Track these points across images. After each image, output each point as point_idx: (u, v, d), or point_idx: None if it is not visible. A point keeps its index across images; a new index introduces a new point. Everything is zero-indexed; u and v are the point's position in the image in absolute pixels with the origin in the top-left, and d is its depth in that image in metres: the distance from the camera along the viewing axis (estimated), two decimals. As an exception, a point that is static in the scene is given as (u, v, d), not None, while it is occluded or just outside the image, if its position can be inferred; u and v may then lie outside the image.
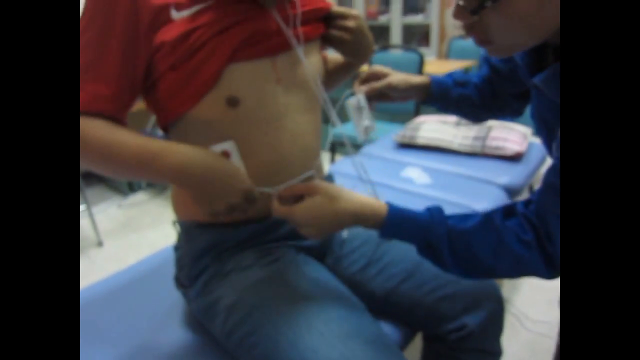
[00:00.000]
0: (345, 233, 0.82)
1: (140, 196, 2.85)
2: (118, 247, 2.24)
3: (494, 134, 1.52)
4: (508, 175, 1.36)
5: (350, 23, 0.75)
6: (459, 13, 0.53)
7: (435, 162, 1.48)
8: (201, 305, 0.71)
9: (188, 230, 0.75)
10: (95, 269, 2.05)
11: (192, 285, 0.74)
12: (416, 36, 4.05)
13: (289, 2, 0.68)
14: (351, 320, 0.63)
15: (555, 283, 1.69)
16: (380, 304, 0.77)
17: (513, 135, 1.51)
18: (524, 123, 1.60)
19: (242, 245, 0.73)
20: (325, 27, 0.76)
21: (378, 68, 0.81)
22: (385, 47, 2.62)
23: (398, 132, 1.72)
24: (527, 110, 0.77)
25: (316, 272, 0.72)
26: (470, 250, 0.58)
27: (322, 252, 0.83)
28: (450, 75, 0.86)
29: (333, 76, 0.88)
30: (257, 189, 0.67)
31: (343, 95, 0.78)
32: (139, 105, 0.70)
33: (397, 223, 0.62)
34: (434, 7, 3.56)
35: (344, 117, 0.79)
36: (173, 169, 0.60)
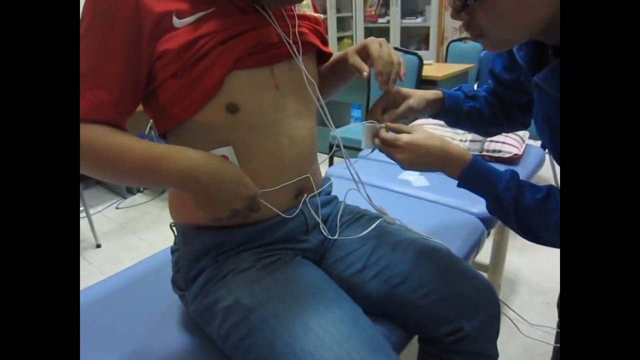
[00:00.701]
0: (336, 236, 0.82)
1: (138, 198, 2.85)
2: (116, 249, 2.24)
3: (491, 137, 1.52)
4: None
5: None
6: (453, 13, 0.58)
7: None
8: (198, 307, 0.71)
9: (185, 233, 0.75)
10: (93, 270, 2.05)
11: (189, 287, 0.74)
12: (415, 39, 4.07)
13: (288, 16, 0.70)
14: (347, 323, 0.63)
15: (553, 286, 1.71)
16: (377, 307, 0.77)
17: (511, 138, 1.52)
18: (522, 126, 1.61)
19: (240, 248, 0.73)
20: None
21: (395, 90, 0.79)
22: (384, 49, 2.62)
23: (396, 134, 1.72)
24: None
25: (313, 274, 0.73)
26: (530, 218, 0.66)
27: (319, 254, 0.83)
28: (459, 88, 0.87)
29: (333, 85, 0.89)
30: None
31: (366, 121, 0.77)
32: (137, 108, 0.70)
33: (476, 171, 0.71)
34: (433, 10, 3.57)
35: (340, 122, 0.79)
36: (179, 173, 0.60)
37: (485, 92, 0.88)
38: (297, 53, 0.69)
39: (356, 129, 2.36)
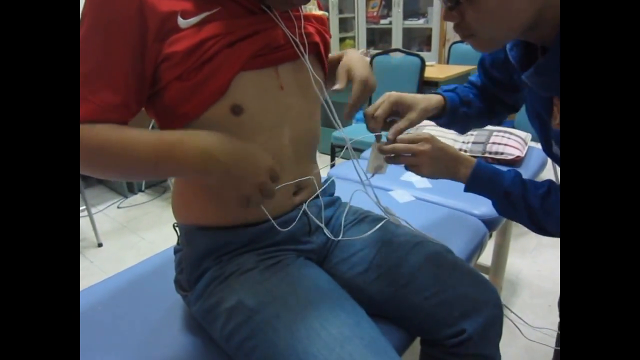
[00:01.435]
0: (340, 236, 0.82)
1: (139, 197, 2.86)
2: (117, 248, 2.24)
3: (494, 139, 1.52)
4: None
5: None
6: (446, 14, 0.61)
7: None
8: (201, 308, 0.71)
9: (188, 234, 0.75)
10: (94, 269, 2.05)
11: (192, 288, 0.74)
12: (417, 40, 4.07)
13: (295, 16, 0.70)
14: (350, 324, 0.63)
15: (555, 288, 1.70)
16: (379, 308, 0.77)
17: (513, 140, 1.52)
18: (524, 129, 1.61)
19: (243, 249, 0.73)
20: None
21: (397, 97, 0.79)
22: (386, 51, 2.62)
23: (398, 136, 1.72)
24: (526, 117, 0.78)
25: (316, 275, 0.73)
26: (537, 212, 0.70)
27: (322, 255, 0.83)
28: (455, 89, 0.88)
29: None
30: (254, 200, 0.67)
31: (377, 140, 0.79)
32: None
33: (483, 173, 0.75)
34: (435, 12, 3.57)
35: (343, 123, 0.79)
36: (197, 157, 0.59)
37: (475, 94, 0.89)
38: (304, 53, 0.69)
39: (359, 130, 2.35)
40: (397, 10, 3.76)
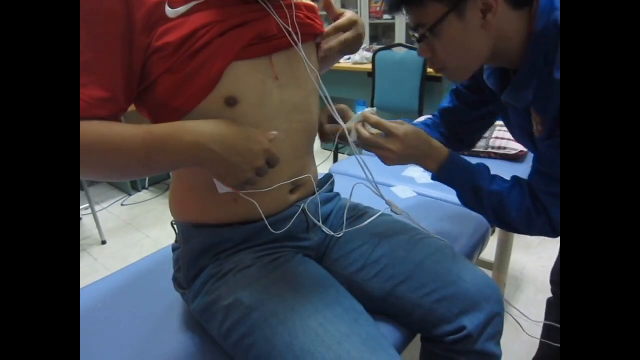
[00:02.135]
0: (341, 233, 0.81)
1: (143, 195, 2.87)
2: (121, 246, 2.25)
3: (497, 134, 1.51)
4: (510, 175, 1.35)
5: (350, 35, 0.77)
6: (420, 50, 0.71)
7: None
8: (199, 305, 0.71)
9: (185, 232, 0.75)
10: (99, 267, 2.06)
11: (190, 286, 0.74)
12: (421, 35, 4.02)
13: (286, 5, 0.68)
14: (348, 321, 0.62)
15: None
16: (379, 305, 0.76)
17: (516, 135, 1.50)
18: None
19: (240, 246, 0.73)
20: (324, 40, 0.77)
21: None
22: (390, 46, 2.60)
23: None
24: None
25: (314, 272, 0.72)
26: (502, 203, 0.75)
27: (321, 252, 0.83)
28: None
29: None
30: (243, 193, 0.67)
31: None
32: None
33: (455, 163, 0.78)
34: (438, 6, 3.53)
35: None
36: (189, 149, 0.57)
37: (438, 123, 0.98)
38: (297, 42, 0.68)
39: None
40: (401, 5, 3.73)
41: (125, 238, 2.33)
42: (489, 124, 0.99)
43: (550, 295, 1.14)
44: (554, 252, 1.90)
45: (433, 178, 0.81)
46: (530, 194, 0.74)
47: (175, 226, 0.79)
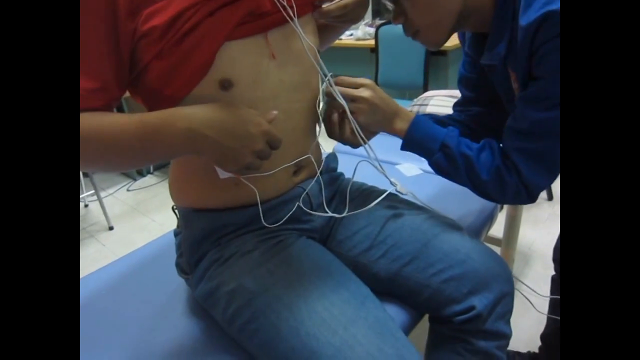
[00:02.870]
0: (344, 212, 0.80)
1: (148, 180, 2.87)
2: (128, 231, 2.26)
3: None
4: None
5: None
6: (394, 17, 0.71)
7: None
8: (202, 291, 0.70)
9: (186, 217, 0.73)
10: (107, 252, 2.08)
11: (193, 271, 0.73)
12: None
13: None
14: (354, 305, 0.61)
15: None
16: (385, 286, 0.75)
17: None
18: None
19: (242, 230, 0.71)
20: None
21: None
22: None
23: (407, 107, 1.67)
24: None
25: (319, 255, 0.70)
26: (472, 166, 0.72)
27: (325, 234, 0.81)
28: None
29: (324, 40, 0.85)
30: (244, 177, 0.65)
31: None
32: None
33: (424, 122, 0.76)
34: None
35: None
36: (183, 136, 0.55)
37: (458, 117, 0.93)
38: (293, 17, 0.64)
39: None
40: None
41: (131, 223, 2.34)
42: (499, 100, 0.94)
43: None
44: (564, 227, 1.88)
45: (403, 145, 0.77)
46: (500, 153, 0.72)
47: (176, 211, 0.77)
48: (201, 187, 0.70)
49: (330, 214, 0.75)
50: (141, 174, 2.92)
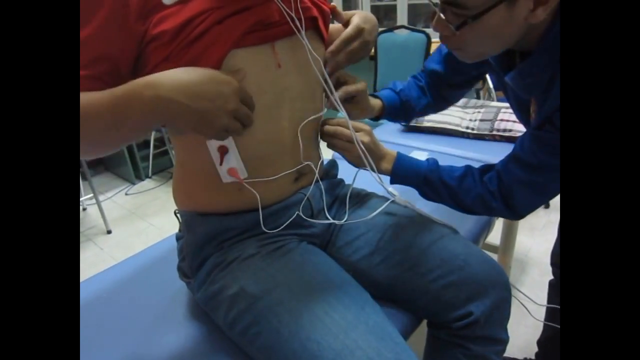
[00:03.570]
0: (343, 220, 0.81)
1: (146, 184, 2.87)
2: (126, 235, 2.26)
3: (502, 116, 1.49)
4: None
5: (356, 45, 0.74)
6: (440, 25, 0.63)
7: (442, 145, 1.45)
8: (204, 295, 0.71)
9: (189, 221, 0.74)
10: (105, 257, 2.07)
11: (195, 275, 0.73)
12: (423, 17, 3.96)
13: None
14: (354, 310, 0.62)
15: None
16: (385, 292, 0.76)
17: (522, 117, 1.48)
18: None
19: (244, 234, 0.72)
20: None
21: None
22: (392, 28, 2.56)
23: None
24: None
25: (319, 260, 0.71)
26: (456, 193, 0.78)
27: (326, 240, 0.82)
28: (395, 90, 0.95)
29: None
30: (247, 183, 0.66)
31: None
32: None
33: (405, 161, 0.81)
34: (441, -14, 3.46)
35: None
36: (152, 105, 0.53)
37: (422, 87, 0.97)
38: (300, 29, 0.65)
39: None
40: (402, -15, 3.65)
41: (130, 227, 2.34)
42: (474, 84, 1.01)
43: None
44: (560, 235, 1.89)
45: (392, 180, 0.83)
46: (481, 181, 0.76)
47: (178, 215, 0.78)
48: (205, 191, 0.72)
49: (331, 220, 0.76)
50: (139, 177, 2.92)
